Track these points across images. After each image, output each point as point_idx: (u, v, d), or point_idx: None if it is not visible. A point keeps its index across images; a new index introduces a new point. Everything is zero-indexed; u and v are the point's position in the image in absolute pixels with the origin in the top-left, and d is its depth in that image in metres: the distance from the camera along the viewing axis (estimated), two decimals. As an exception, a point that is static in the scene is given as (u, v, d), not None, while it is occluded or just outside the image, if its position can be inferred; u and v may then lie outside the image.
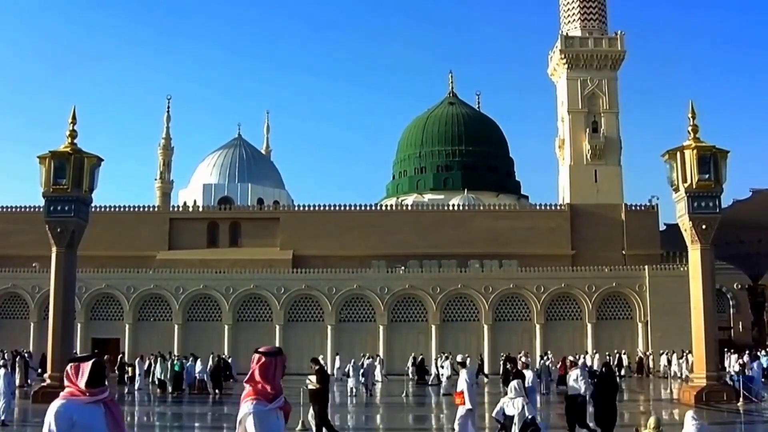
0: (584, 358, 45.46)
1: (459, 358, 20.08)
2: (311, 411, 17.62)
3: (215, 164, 76.14)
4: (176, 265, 55.36)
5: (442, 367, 36.64)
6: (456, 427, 15.52)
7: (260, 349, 5.49)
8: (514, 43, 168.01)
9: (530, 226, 61.15)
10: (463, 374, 15.69)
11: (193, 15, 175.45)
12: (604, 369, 19.11)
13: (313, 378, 17.98)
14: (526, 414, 14.16)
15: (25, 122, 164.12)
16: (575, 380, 17.86)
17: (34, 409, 25.35)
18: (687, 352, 46.48)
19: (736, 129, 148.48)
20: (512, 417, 14.37)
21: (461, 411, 15.42)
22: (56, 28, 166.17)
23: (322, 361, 24.04)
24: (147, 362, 38.42)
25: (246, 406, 5.30)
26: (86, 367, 5.27)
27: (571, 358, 30.84)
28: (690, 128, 29.11)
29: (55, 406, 5.20)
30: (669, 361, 47.17)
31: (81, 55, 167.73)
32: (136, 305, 53.09)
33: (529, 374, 17.69)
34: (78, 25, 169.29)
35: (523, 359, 33.33)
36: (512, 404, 14.46)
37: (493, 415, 15.53)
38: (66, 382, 5.34)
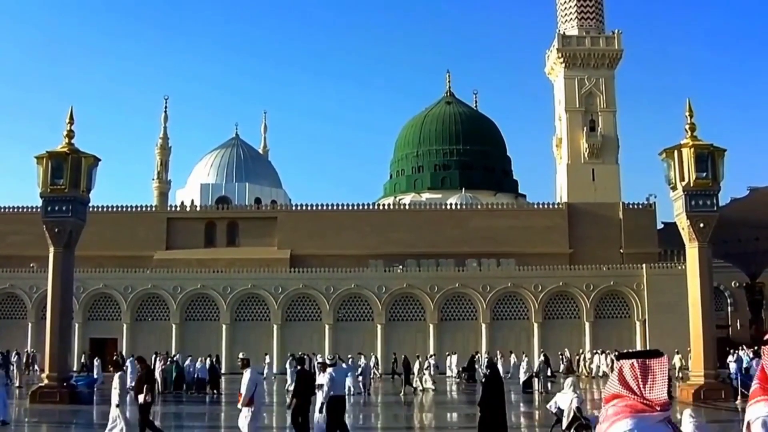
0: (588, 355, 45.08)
1: (241, 355, 19.28)
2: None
3: (212, 164, 76.08)
4: (174, 265, 55.34)
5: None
6: (242, 428, 15.03)
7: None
8: (511, 42, 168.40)
9: (528, 225, 61.15)
10: (246, 374, 15.32)
11: (190, 15, 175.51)
12: (489, 371, 16.49)
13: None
14: (574, 407, 15.72)
15: (22, 121, 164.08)
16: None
17: (32, 409, 25.33)
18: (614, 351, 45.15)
19: (734, 127, 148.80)
20: (563, 410, 16.06)
21: (244, 412, 14.89)
22: (54, 27, 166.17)
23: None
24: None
25: (619, 426, 3.73)
26: (659, 368, 3.65)
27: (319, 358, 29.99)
28: (687, 126, 29.11)
29: (623, 427, 3.63)
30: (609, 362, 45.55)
31: (78, 54, 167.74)
32: (133, 305, 53.06)
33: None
34: (75, 24, 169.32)
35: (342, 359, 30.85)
36: (564, 398, 16.15)
37: (548, 406, 17.18)
38: (621, 389, 3.71)
